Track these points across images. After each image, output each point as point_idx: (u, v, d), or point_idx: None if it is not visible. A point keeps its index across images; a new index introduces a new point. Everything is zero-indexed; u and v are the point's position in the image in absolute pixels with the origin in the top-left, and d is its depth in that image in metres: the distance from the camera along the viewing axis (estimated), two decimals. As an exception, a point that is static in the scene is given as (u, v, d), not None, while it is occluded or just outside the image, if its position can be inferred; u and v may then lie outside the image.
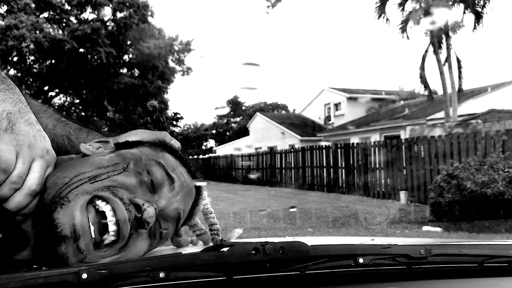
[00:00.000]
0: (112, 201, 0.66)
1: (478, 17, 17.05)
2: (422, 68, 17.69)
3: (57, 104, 29.35)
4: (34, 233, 0.66)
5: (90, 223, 0.65)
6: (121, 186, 0.69)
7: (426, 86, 17.87)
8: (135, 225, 0.68)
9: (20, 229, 0.66)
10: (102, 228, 0.66)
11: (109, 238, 0.66)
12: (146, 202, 0.69)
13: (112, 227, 0.66)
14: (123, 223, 0.66)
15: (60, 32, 25.43)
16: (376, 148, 12.80)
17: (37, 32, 23.07)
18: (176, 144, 0.86)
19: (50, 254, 0.65)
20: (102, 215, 0.66)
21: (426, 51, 17.55)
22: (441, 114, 17.79)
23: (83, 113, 29.38)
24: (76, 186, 0.67)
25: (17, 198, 0.65)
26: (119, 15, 26.75)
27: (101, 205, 0.66)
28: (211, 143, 54.41)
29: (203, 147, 52.97)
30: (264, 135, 31.24)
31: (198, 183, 0.85)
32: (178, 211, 0.76)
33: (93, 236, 0.65)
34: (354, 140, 19.53)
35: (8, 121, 0.70)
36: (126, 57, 28.56)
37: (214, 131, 54.77)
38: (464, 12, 17.33)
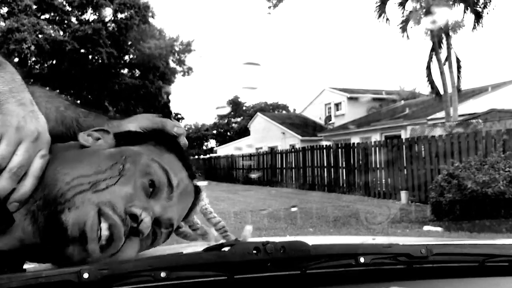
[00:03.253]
0: (110, 219, 0.64)
1: (478, 17, 17.05)
2: (428, 67, 17.67)
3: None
4: (34, 228, 0.64)
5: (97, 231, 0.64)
6: (118, 198, 0.66)
7: (432, 85, 17.84)
8: (129, 233, 0.66)
9: (9, 217, 0.63)
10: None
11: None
12: (144, 211, 0.66)
13: (104, 241, 0.64)
14: (118, 238, 0.65)
15: (61, 33, 25.44)
16: (377, 148, 12.80)
17: (38, 34, 23.08)
18: (180, 130, 0.81)
19: (52, 252, 0.64)
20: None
21: (432, 49, 17.53)
22: (441, 114, 17.78)
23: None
24: (79, 191, 0.65)
25: None
26: (120, 16, 26.78)
27: (101, 219, 0.65)
28: (212, 143, 54.45)
29: (204, 147, 53.02)
30: (265, 135, 31.23)
31: (198, 186, 0.81)
32: (172, 221, 0.73)
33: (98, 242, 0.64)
34: (355, 140, 19.52)
35: None
36: (127, 57, 28.57)
37: (214, 131, 54.79)
38: (465, 12, 17.34)
